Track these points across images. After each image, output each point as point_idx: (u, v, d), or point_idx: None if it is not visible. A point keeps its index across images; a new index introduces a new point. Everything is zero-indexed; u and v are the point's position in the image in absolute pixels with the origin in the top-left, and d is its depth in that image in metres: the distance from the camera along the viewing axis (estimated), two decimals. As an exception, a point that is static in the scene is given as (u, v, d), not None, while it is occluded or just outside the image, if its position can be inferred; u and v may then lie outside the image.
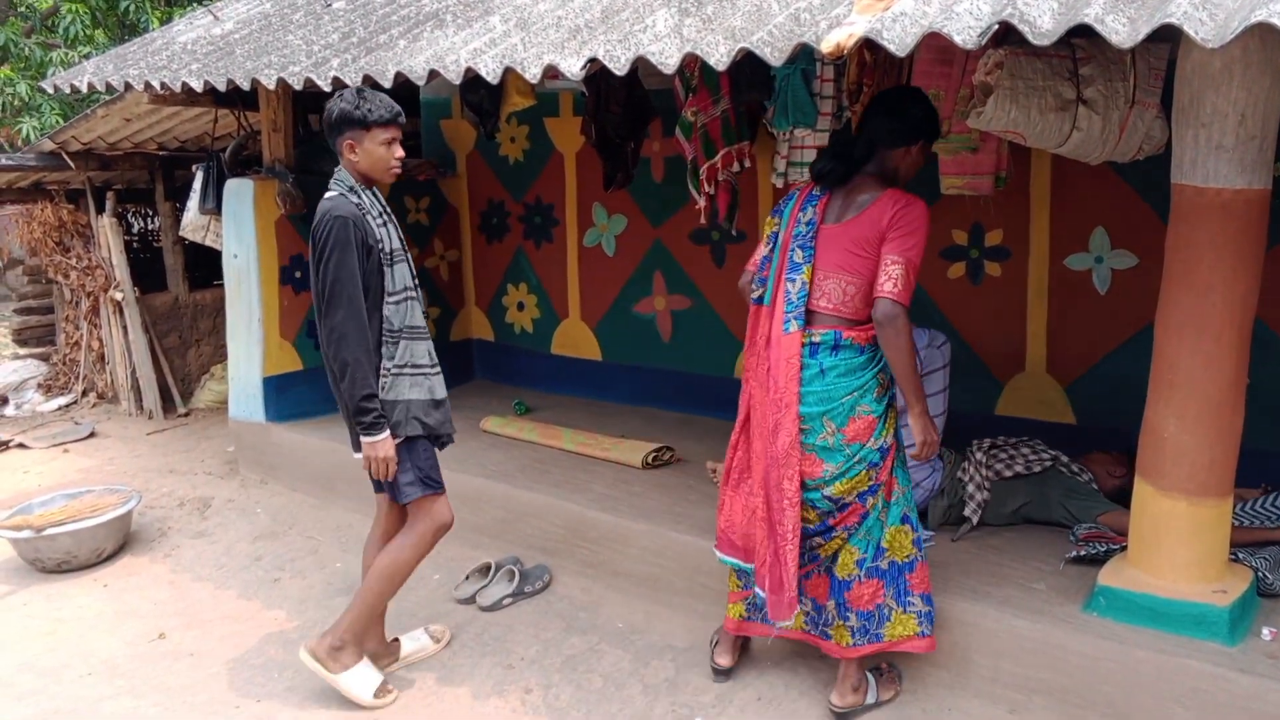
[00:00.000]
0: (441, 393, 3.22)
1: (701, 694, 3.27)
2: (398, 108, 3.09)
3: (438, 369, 3.23)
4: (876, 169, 2.99)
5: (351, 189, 3.08)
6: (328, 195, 3.08)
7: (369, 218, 3.07)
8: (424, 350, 3.18)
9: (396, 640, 3.54)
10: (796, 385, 2.90)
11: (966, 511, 3.77)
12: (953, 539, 3.70)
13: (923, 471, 3.92)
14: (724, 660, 3.32)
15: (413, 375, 3.14)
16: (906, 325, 2.84)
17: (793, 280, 2.96)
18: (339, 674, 3.22)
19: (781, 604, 2.97)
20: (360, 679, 3.24)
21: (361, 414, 3.03)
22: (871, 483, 2.97)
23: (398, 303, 3.13)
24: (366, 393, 3.03)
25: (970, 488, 3.80)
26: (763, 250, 3.13)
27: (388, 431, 3.08)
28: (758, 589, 3.06)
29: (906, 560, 3.03)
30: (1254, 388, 3.00)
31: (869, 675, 3.14)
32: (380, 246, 3.08)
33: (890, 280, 2.82)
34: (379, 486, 3.30)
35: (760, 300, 3.07)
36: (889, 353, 2.87)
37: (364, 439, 3.07)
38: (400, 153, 3.13)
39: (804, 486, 2.95)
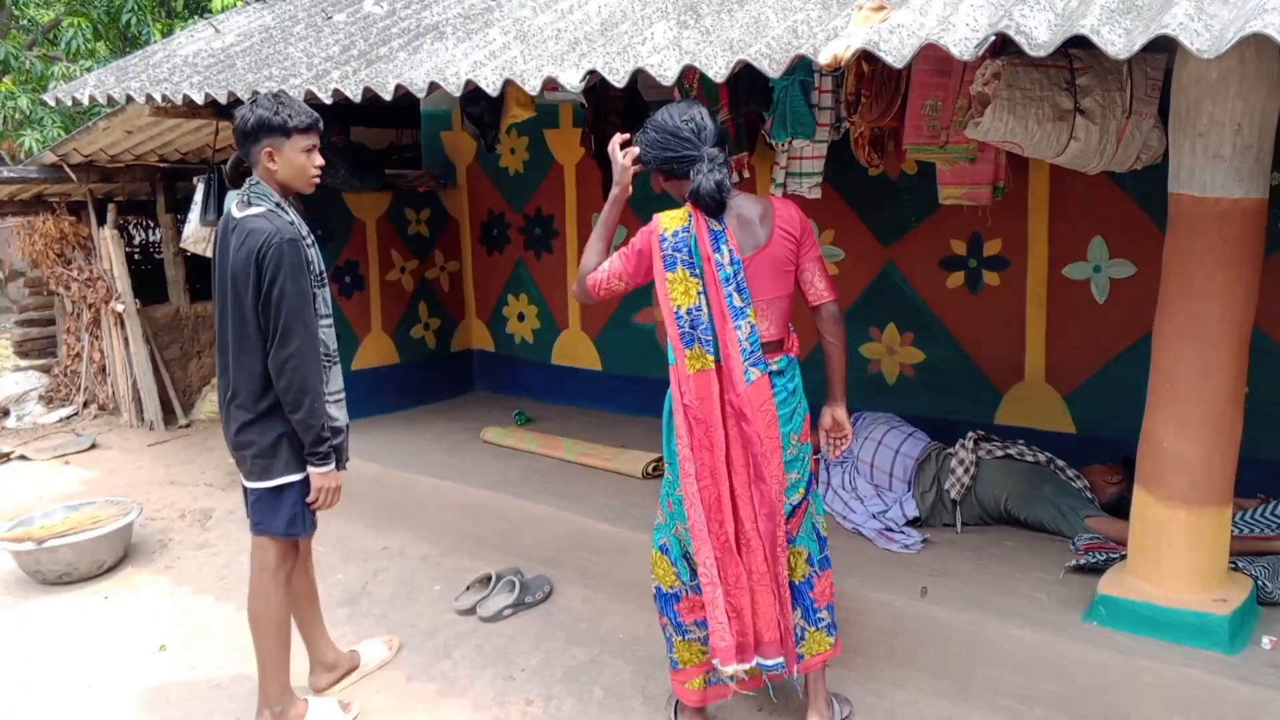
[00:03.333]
0: (345, 419, 3.16)
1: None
2: (316, 114, 2.99)
3: (343, 395, 3.16)
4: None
5: (279, 205, 2.93)
6: (255, 212, 2.88)
7: (304, 239, 2.96)
8: (339, 375, 3.13)
9: (354, 651, 3.56)
10: (778, 427, 2.76)
11: (947, 485, 3.88)
12: (957, 531, 3.85)
13: (891, 496, 3.98)
14: None
15: (335, 402, 3.09)
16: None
17: (739, 326, 2.71)
18: None
19: (792, 653, 2.86)
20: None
21: (319, 444, 2.95)
22: (810, 471, 2.94)
23: (328, 327, 3.05)
24: (324, 422, 2.95)
25: (955, 464, 3.90)
26: (673, 306, 2.76)
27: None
28: (762, 660, 2.83)
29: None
30: (1253, 396, 3.01)
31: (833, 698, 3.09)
32: (312, 268, 2.97)
33: (824, 282, 2.86)
34: (266, 529, 3.08)
35: (690, 359, 2.75)
36: (839, 346, 2.90)
37: (318, 470, 2.99)
38: (320, 160, 3.01)
39: None
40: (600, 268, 2.90)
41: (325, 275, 3.07)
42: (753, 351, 2.72)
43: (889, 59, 2.47)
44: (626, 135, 2.94)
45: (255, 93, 3.74)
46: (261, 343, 2.90)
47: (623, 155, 2.90)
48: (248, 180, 2.98)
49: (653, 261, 2.80)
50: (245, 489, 3.09)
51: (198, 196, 5.93)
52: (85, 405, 7.31)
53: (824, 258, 2.88)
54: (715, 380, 2.75)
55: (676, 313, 2.76)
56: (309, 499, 3.04)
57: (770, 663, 2.85)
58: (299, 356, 2.86)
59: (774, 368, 2.80)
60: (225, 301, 2.94)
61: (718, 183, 2.67)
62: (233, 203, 2.99)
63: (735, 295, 2.71)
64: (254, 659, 3.10)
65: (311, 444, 2.95)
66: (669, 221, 2.79)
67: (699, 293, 2.74)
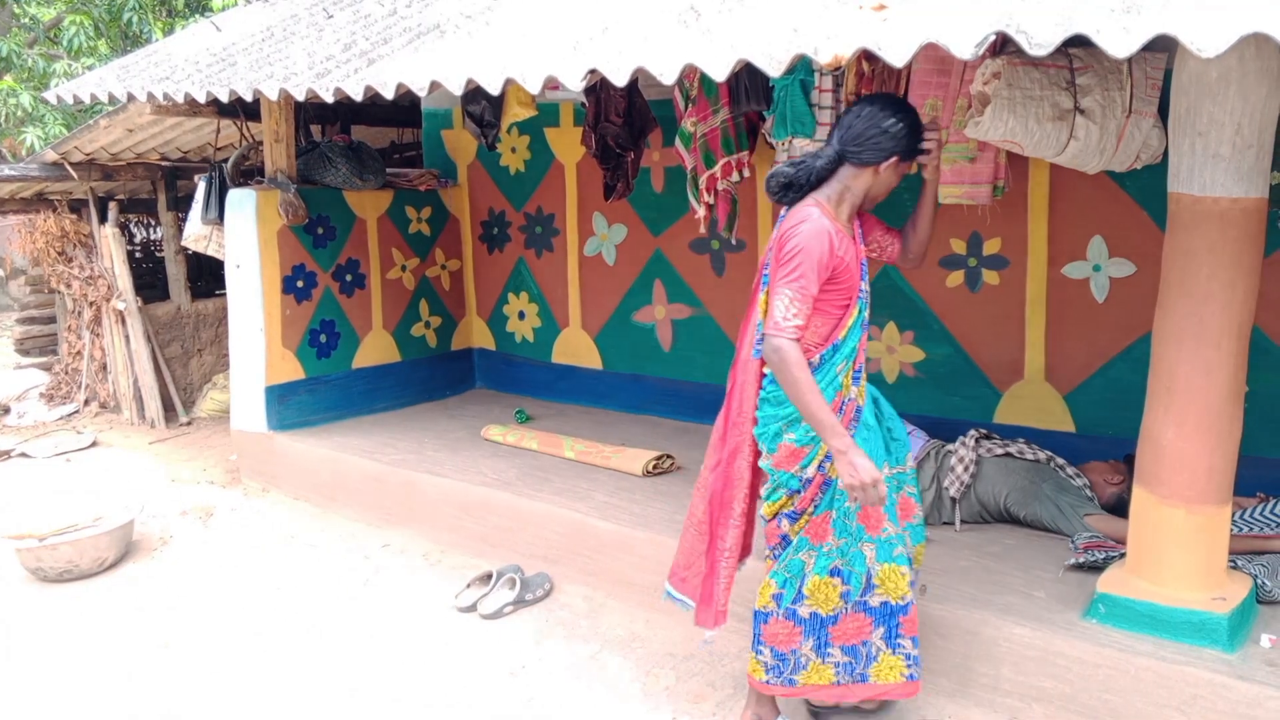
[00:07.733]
0: None
1: (701, 701, 3.28)
2: None
3: None
4: (838, 187, 2.73)
5: None
6: None
7: None
8: None
9: None
10: (754, 409, 2.84)
11: (946, 483, 3.87)
12: (956, 530, 3.84)
13: None
14: None
15: None
16: (787, 358, 2.59)
17: (758, 305, 2.88)
18: None
19: (709, 613, 3.00)
20: None
21: None
22: (792, 508, 2.83)
23: None
24: None
25: (955, 462, 3.91)
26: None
27: None
28: (684, 596, 3.07)
29: (831, 613, 2.86)
30: (1252, 395, 3.01)
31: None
32: None
33: (772, 317, 2.64)
34: None
35: None
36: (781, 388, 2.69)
37: None
38: None
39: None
40: None
41: None
42: (757, 334, 2.87)
43: (889, 58, 2.47)
44: None
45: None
46: None
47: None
48: None
49: None
50: None
51: (199, 194, 5.94)
52: (86, 403, 7.31)
53: (796, 290, 2.61)
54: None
55: None
56: None
57: (675, 594, 3.10)
58: None
59: (766, 368, 2.80)
60: None
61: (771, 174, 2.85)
62: None
63: (761, 279, 2.88)
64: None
65: None
66: None
67: None
